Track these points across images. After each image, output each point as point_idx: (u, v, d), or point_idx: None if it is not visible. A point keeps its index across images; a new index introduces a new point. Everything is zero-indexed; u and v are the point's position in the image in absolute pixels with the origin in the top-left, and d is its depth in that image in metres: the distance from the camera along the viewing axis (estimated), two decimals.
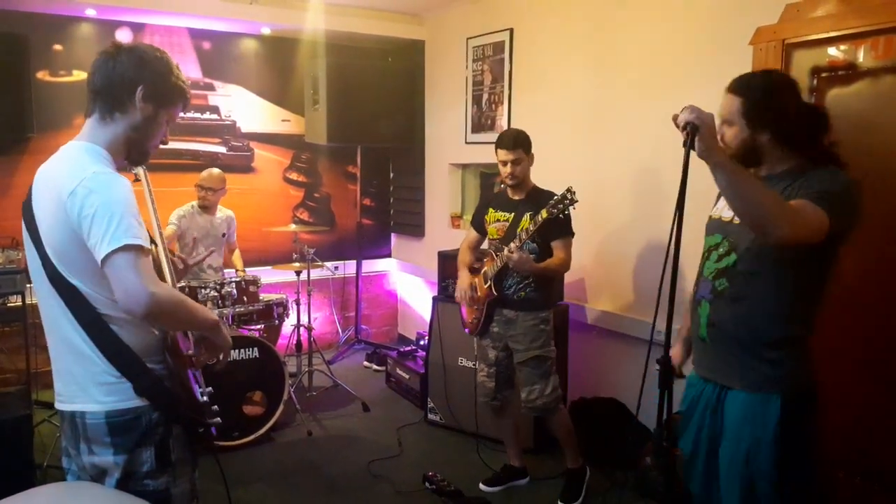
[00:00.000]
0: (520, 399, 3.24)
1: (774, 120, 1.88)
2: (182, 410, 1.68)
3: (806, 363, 1.94)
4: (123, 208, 1.50)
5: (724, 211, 2.00)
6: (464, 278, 3.35)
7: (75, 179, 1.51)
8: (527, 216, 3.09)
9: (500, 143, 3.14)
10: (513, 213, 3.18)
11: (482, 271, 3.27)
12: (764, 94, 1.89)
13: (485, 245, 3.44)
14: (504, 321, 3.22)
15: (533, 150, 3.18)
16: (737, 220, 1.92)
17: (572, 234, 3.14)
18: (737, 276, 1.91)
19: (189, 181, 4.51)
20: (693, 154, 1.68)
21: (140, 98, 1.63)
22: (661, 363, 1.66)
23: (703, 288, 2.01)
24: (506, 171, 3.14)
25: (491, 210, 3.30)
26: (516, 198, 3.20)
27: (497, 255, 3.14)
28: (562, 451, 3.32)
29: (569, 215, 3.09)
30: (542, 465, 3.57)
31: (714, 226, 2.04)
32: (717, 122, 1.89)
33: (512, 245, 3.01)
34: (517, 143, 3.10)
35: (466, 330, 3.43)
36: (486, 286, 3.22)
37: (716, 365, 1.99)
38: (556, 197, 2.89)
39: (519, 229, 3.10)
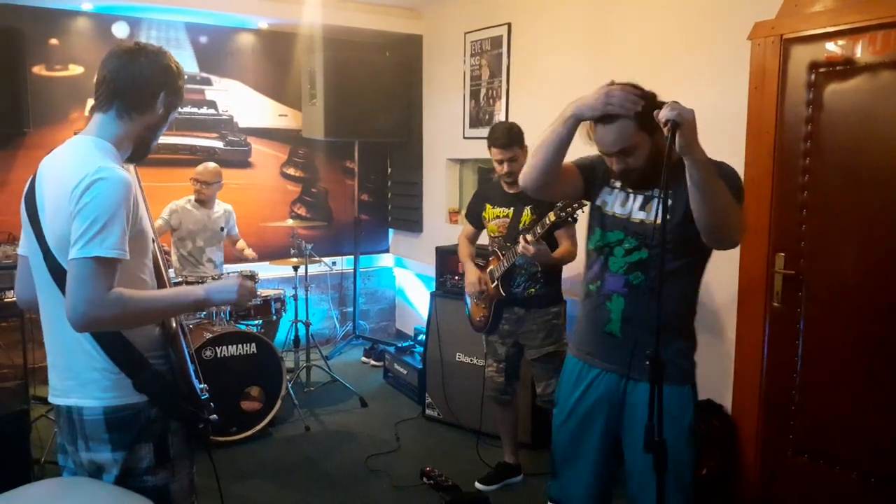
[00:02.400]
0: (525, 393, 3.23)
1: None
2: (184, 405, 1.68)
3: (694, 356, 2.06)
4: (111, 213, 1.49)
5: (620, 209, 2.02)
6: (471, 272, 3.26)
7: (81, 173, 1.51)
8: (527, 210, 3.04)
9: (492, 141, 3.06)
10: (512, 209, 3.13)
11: (488, 270, 3.21)
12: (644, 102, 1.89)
13: (483, 240, 3.41)
14: (514, 319, 3.18)
15: (530, 145, 3.13)
16: (644, 221, 1.96)
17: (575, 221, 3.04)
18: (652, 269, 1.93)
19: (185, 176, 4.50)
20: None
21: (161, 102, 1.68)
22: (651, 359, 1.66)
23: (612, 283, 2.01)
24: (501, 169, 3.08)
25: (489, 206, 3.24)
26: (512, 192, 3.14)
27: (503, 255, 3.08)
28: None
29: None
30: (538, 460, 3.57)
31: (610, 223, 2.03)
32: (614, 156, 1.94)
33: (528, 237, 2.86)
34: (511, 139, 3.02)
35: (475, 329, 3.36)
36: (492, 285, 3.18)
37: (625, 359, 1.94)
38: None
39: (521, 225, 3.05)
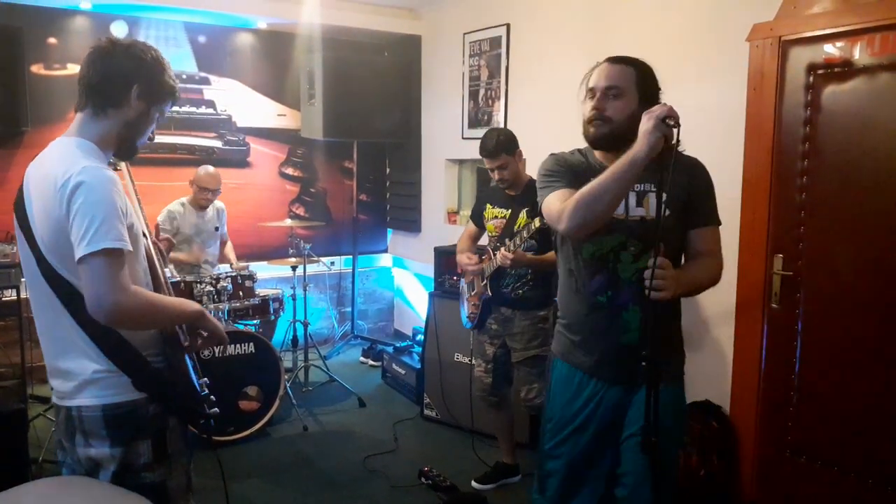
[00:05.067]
0: (517, 396, 3.24)
1: (655, 96, 1.86)
2: (184, 403, 1.69)
3: None
4: (107, 209, 1.49)
5: (625, 209, 1.88)
6: (462, 256, 3.29)
7: (66, 173, 1.50)
8: (524, 213, 3.07)
9: (482, 152, 3.13)
10: (509, 210, 3.16)
11: (481, 267, 3.24)
12: (649, 69, 1.90)
13: (484, 240, 3.42)
14: (502, 319, 3.20)
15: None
16: (645, 217, 1.85)
17: None
18: None
19: (183, 175, 4.49)
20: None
21: (135, 96, 1.64)
22: (647, 359, 1.65)
23: (626, 293, 1.87)
24: (494, 176, 3.15)
25: (489, 206, 3.28)
26: (512, 194, 3.19)
27: (495, 255, 3.11)
28: None
29: None
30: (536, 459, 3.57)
31: (605, 226, 1.84)
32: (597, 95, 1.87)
33: (509, 244, 2.97)
34: (498, 148, 3.07)
35: (468, 324, 3.38)
36: (482, 283, 3.22)
37: (637, 369, 1.74)
38: None
39: (517, 227, 3.07)
